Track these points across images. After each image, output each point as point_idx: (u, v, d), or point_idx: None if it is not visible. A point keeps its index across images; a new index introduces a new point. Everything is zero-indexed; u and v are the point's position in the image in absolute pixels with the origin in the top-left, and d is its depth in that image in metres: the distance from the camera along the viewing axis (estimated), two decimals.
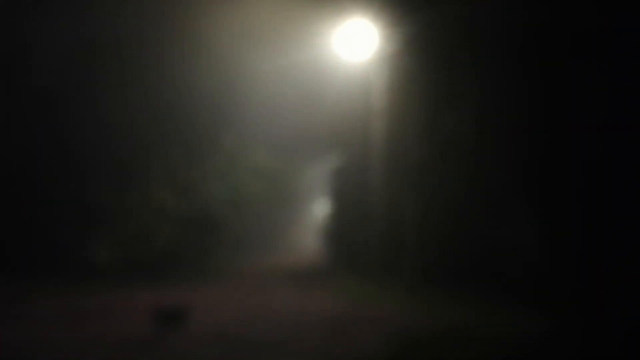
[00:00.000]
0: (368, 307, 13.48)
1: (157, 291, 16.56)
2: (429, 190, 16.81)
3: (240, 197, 22.85)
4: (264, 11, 19.82)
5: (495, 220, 18.06)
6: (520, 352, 8.18)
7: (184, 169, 21.62)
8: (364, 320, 11.05)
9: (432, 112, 15.51)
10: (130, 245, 20.21)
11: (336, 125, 28.20)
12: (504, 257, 18.18)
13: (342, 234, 31.02)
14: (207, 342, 8.36)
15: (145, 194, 20.37)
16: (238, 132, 23.29)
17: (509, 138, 14.09)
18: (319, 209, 46.36)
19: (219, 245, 25.92)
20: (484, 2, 13.23)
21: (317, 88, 24.82)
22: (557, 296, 13.40)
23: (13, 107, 20.08)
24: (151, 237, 20.33)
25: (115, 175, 20.41)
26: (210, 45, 20.55)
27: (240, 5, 19.60)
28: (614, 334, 9.38)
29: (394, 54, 15.58)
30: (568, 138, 13.42)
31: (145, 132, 20.70)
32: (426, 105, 15.41)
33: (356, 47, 16.44)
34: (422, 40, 14.56)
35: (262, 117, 25.70)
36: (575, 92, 12.92)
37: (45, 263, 18.94)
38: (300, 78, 24.34)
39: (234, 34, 20.96)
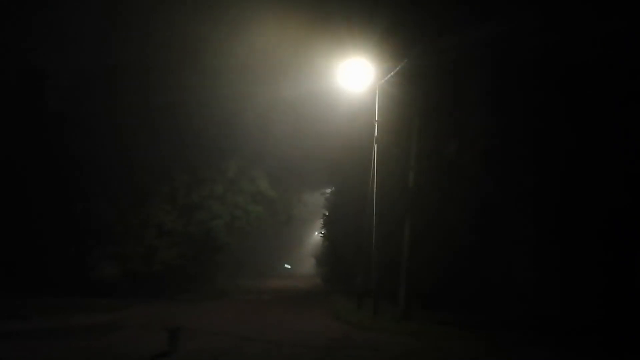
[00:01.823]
0: (362, 332, 13.59)
1: (158, 309, 16.92)
2: (426, 218, 17.17)
3: (240, 220, 23.29)
4: (271, 46, 20.53)
5: (493, 249, 18.46)
6: None
7: (186, 190, 22.10)
8: (357, 346, 11.22)
9: (431, 140, 15.94)
10: (132, 262, 20.58)
11: (335, 155, 28.82)
12: (499, 288, 18.51)
13: (338, 259, 31.29)
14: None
15: (147, 214, 20.79)
16: (241, 159, 23.84)
17: (509, 166, 14.49)
18: (317, 234, 46.68)
19: (219, 267, 26.28)
20: (479, 31, 13.72)
21: (318, 120, 25.48)
22: (553, 328, 13.71)
23: (27, 128, 20.65)
24: (151, 255, 20.70)
25: (119, 195, 20.85)
26: (217, 75, 21.22)
27: (248, 39, 20.33)
28: None
29: (393, 86, 16.14)
30: (570, 169, 13.79)
31: (150, 154, 21.23)
32: (425, 134, 15.83)
33: (356, 81, 17.08)
34: (420, 71, 15.05)
35: (264, 145, 26.26)
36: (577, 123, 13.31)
37: (51, 279, 19.24)
38: (302, 110, 25.02)
39: (243, 65, 21.68)
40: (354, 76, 16.83)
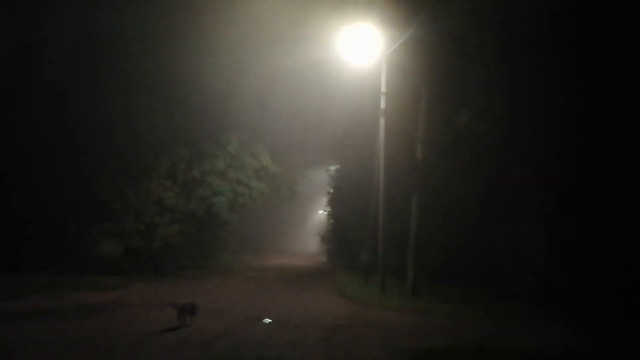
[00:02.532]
0: (370, 309, 13.22)
1: (159, 286, 16.57)
2: (434, 192, 16.63)
3: (243, 196, 22.74)
4: (270, 14, 19.76)
5: (502, 223, 17.95)
6: None
7: (187, 166, 21.55)
8: (366, 324, 10.78)
9: (440, 112, 15.26)
10: (132, 239, 20.19)
11: (339, 129, 28.19)
12: (508, 261, 18.08)
13: (344, 235, 30.95)
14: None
15: (146, 190, 20.30)
16: (242, 134, 23.20)
17: (521, 135, 13.83)
18: (321, 211, 46.25)
19: (222, 244, 25.90)
20: None
21: (322, 92, 24.77)
22: (563, 304, 13.29)
23: (24, 101, 20.04)
24: (151, 232, 20.28)
25: (118, 171, 20.35)
26: (217, 46, 20.49)
27: (247, 8, 19.53)
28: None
29: (400, 56, 15.41)
30: (587, 140, 13.14)
31: (148, 128, 20.64)
32: (434, 105, 15.16)
33: (361, 50, 16.35)
34: (428, 39, 14.31)
35: (266, 120, 25.67)
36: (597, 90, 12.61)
37: (51, 257, 18.90)
38: (305, 83, 24.30)
39: (242, 36, 20.92)
40: (359, 45, 16.07)
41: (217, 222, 22.53)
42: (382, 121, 16.34)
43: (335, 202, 33.19)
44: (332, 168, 33.72)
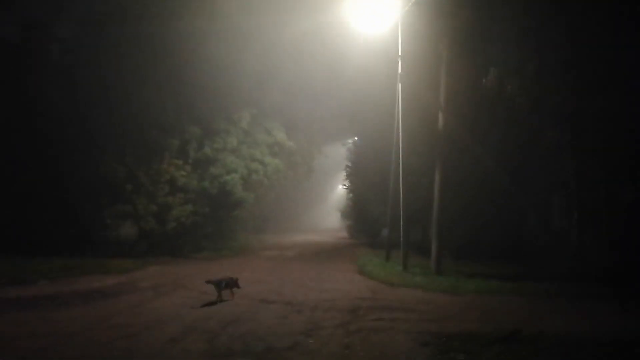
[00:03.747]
0: (392, 289, 12.44)
1: (174, 268, 16.07)
2: (458, 163, 15.63)
3: (257, 173, 21.96)
4: None
5: (533, 196, 16.88)
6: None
7: (198, 144, 20.85)
8: (388, 306, 9.98)
9: (464, 74, 14.09)
10: (145, 221, 19.68)
11: (356, 101, 27.16)
12: (540, 238, 17.08)
13: (364, 211, 30.20)
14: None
15: (157, 170, 19.69)
16: (255, 109, 22.33)
17: (556, 100, 12.63)
18: (340, 187, 45.42)
19: (238, 224, 25.29)
20: None
21: (335, 63, 23.69)
22: (599, 282, 12.33)
23: (33, 83, 19.44)
24: (165, 212, 19.73)
25: (128, 151, 19.76)
26: (226, 20, 19.58)
27: None
28: None
29: (418, 14, 14.26)
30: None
31: (159, 107, 19.95)
32: (456, 67, 13.97)
33: (375, 12, 15.29)
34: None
35: (279, 94, 24.79)
36: None
37: (67, 241, 18.50)
38: (318, 53, 23.27)
39: (252, 7, 19.99)
40: (373, 7, 15.00)
41: (232, 201, 21.83)
42: (399, 87, 15.32)
43: (353, 177, 32.39)
44: (350, 141, 32.89)
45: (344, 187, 36.68)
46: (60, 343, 6.77)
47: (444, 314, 9.19)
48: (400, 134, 15.38)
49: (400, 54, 15.07)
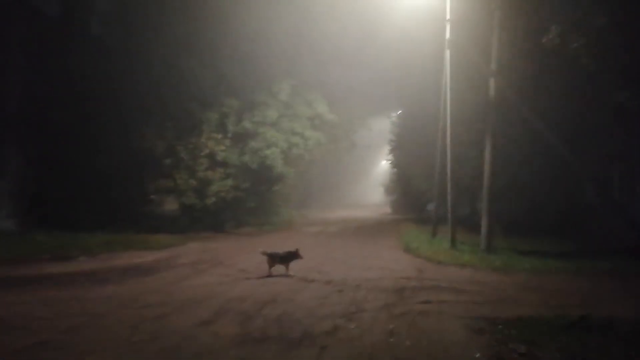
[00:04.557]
0: (439, 267, 11.74)
1: (213, 245, 15.85)
2: (510, 134, 14.55)
3: (298, 147, 21.37)
4: None
5: (592, 167, 15.66)
6: None
7: (237, 117, 20.42)
8: (435, 286, 9.31)
9: (518, 37, 12.91)
10: (186, 196, 19.56)
11: (402, 70, 26.08)
12: (599, 212, 15.89)
13: (409, 185, 29.33)
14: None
15: (196, 144, 19.44)
16: (295, 81, 21.65)
17: (624, 58, 11.35)
18: (384, 161, 44.45)
19: (281, 199, 24.97)
20: None
21: (380, 30, 22.61)
22: None
23: (75, 58, 19.39)
24: (205, 187, 19.52)
25: (167, 125, 19.55)
26: None
27: None
28: None
29: None
30: None
31: (198, 81, 19.59)
32: (510, 30, 12.79)
33: None
34: None
35: (322, 66, 24.00)
36: None
37: (110, 216, 18.58)
38: (361, 19, 22.25)
39: None
40: None
41: (273, 176, 21.41)
42: (447, 54, 14.27)
43: (398, 151, 31.48)
44: (394, 114, 31.91)
45: (388, 161, 35.79)
46: (87, 324, 6.44)
47: (497, 296, 8.42)
48: (449, 103, 14.39)
49: (448, 17, 13.99)
